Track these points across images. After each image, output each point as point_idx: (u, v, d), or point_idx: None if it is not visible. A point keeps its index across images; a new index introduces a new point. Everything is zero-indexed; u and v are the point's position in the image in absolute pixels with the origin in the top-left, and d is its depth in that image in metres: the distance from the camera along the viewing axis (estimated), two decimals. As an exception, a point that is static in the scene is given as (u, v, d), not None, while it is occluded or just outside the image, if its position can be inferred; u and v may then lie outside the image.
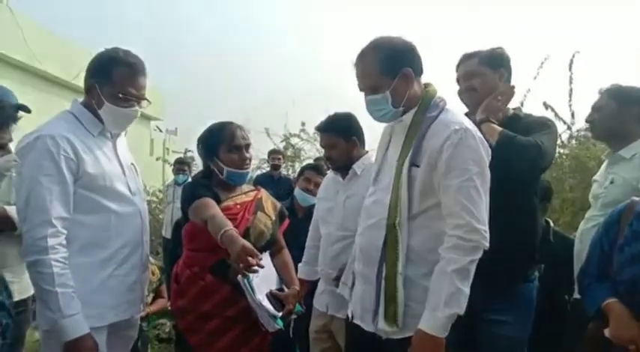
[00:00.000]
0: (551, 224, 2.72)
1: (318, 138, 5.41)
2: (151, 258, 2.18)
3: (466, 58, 2.04)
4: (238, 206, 1.98)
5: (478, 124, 1.79)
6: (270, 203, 2.14)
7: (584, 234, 2.13)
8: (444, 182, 1.53)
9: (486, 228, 1.53)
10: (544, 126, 1.96)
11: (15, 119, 1.56)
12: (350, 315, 1.77)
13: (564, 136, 5.34)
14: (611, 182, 2.11)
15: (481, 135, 1.61)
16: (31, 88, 7.23)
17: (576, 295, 2.06)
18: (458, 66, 2.08)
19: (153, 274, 2.94)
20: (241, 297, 1.82)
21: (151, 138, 12.87)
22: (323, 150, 2.49)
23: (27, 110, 1.94)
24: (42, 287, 1.53)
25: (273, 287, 1.97)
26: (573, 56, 5.32)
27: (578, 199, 4.51)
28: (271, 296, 1.90)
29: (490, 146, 1.68)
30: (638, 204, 1.64)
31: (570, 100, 5.40)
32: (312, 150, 8.01)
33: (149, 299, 3.08)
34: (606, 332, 1.56)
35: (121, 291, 1.72)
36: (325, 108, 2.69)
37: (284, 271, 2.09)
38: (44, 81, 7.93)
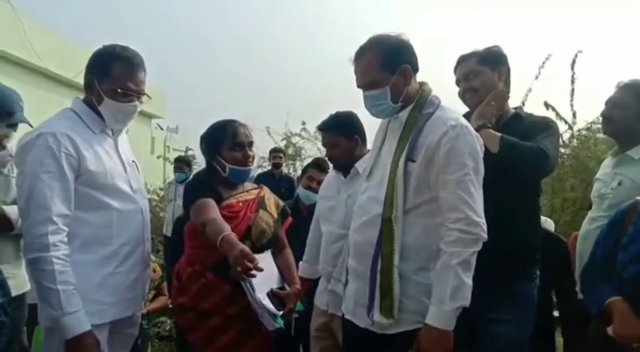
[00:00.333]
0: None
1: (319, 137, 5.41)
2: (151, 256, 2.18)
3: (464, 58, 2.04)
4: (240, 204, 1.98)
5: (475, 131, 1.78)
6: (272, 201, 2.15)
7: (589, 235, 2.11)
8: (442, 176, 1.56)
9: (484, 220, 1.56)
10: (546, 127, 1.95)
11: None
12: (343, 311, 1.79)
13: (565, 136, 5.34)
14: (619, 183, 2.09)
15: (475, 131, 1.64)
16: (32, 86, 7.23)
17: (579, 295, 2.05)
18: (456, 67, 2.07)
19: (154, 272, 2.94)
20: (242, 296, 1.82)
21: (152, 136, 12.88)
22: (324, 149, 2.49)
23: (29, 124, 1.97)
24: (43, 285, 1.52)
25: (275, 285, 1.97)
26: (576, 56, 5.32)
27: (579, 199, 4.51)
28: (272, 295, 1.90)
29: (489, 152, 1.69)
30: None
31: (572, 100, 5.40)
32: (312, 149, 8.02)
33: (150, 296, 3.08)
34: (609, 330, 1.56)
35: (123, 289, 1.72)
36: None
37: (285, 270, 2.09)
38: (45, 78, 7.93)
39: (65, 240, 1.56)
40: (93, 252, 1.65)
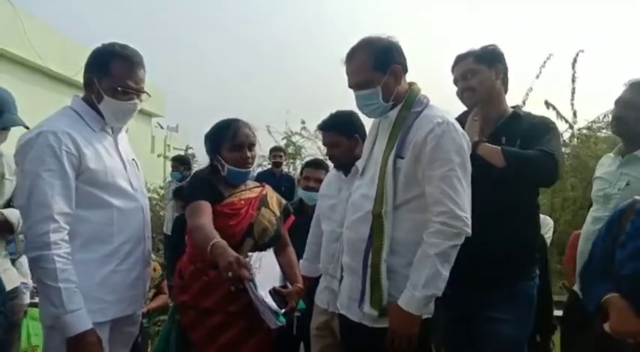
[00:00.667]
0: None
1: (319, 136, 5.40)
2: (152, 255, 2.18)
3: (461, 58, 2.04)
4: (242, 202, 1.99)
5: (474, 149, 1.79)
6: (275, 199, 2.15)
7: (591, 235, 2.07)
8: (428, 172, 1.61)
9: (468, 215, 1.60)
10: (548, 129, 1.95)
11: None
12: (338, 307, 1.84)
13: (566, 135, 5.35)
14: (627, 184, 2.06)
15: (462, 129, 1.68)
16: (32, 84, 7.23)
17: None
18: (453, 67, 2.08)
19: (154, 270, 2.94)
20: (244, 294, 1.82)
21: (152, 135, 12.88)
22: (324, 148, 2.49)
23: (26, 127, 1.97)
24: (45, 283, 1.52)
25: (277, 283, 1.97)
26: (577, 55, 5.32)
27: (579, 198, 4.52)
28: (274, 293, 1.90)
29: (487, 165, 1.74)
30: (639, 202, 1.68)
31: (573, 99, 5.41)
32: (312, 148, 8.03)
33: (150, 295, 3.08)
34: (606, 326, 1.58)
35: (124, 287, 1.72)
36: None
37: (288, 268, 2.09)
38: (45, 77, 7.93)
39: (66, 238, 1.56)
40: (94, 251, 1.65)
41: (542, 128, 1.95)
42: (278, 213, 2.11)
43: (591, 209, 2.29)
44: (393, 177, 1.65)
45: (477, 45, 2.02)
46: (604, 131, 5.25)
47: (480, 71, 1.98)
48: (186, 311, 1.96)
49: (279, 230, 2.09)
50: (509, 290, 1.90)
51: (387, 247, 1.64)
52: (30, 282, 2.36)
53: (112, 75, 1.69)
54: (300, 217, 2.38)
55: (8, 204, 2.02)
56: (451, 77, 2.10)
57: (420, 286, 1.56)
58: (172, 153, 9.85)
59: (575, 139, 5.37)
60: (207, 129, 2.09)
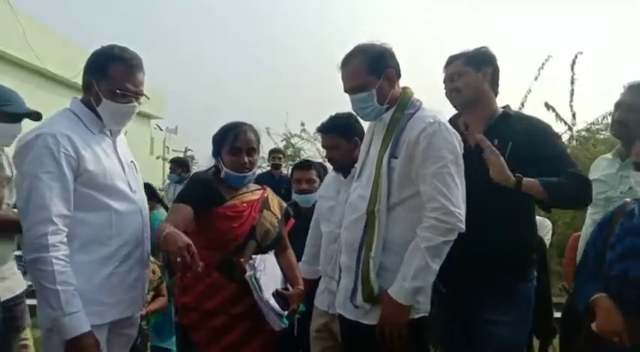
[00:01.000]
0: None
1: (318, 138, 5.40)
2: (150, 257, 2.18)
3: (452, 59, 2.06)
4: (244, 204, 1.99)
5: (517, 187, 1.79)
6: (276, 202, 2.16)
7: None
8: (421, 170, 1.66)
9: (462, 211, 1.64)
10: (546, 134, 1.97)
11: None
12: (335, 306, 1.86)
13: (565, 137, 5.35)
14: (630, 188, 2.07)
15: (453, 129, 1.74)
16: (31, 86, 7.23)
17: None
18: (444, 68, 2.10)
19: (153, 273, 2.93)
20: (246, 295, 1.82)
21: (151, 137, 12.89)
22: (323, 150, 2.49)
23: (34, 118, 1.97)
24: (43, 285, 1.52)
25: (279, 286, 1.97)
26: (576, 56, 5.33)
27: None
28: (277, 295, 1.91)
29: (482, 168, 1.78)
30: (629, 204, 1.73)
31: (572, 101, 5.41)
32: (312, 150, 8.03)
33: (149, 297, 3.07)
34: (593, 325, 1.62)
35: (122, 289, 1.72)
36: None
37: (288, 270, 2.09)
38: (44, 78, 7.93)
39: (65, 240, 1.55)
40: (92, 253, 1.64)
41: (540, 136, 1.94)
42: (279, 216, 2.11)
43: (589, 211, 2.29)
44: (388, 177, 1.69)
45: (474, 45, 2.04)
46: (603, 133, 5.26)
47: (467, 73, 1.99)
48: (188, 313, 1.96)
49: (281, 232, 2.10)
50: (507, 292, 1.90)
51: (379, 244, 1.67)
52: None
53: (110, 77, 1.69)
54: (298, 219, 2.38)
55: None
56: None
57: (409, 277, 1.61)
58: (171, 155, 9.87)
59: (574, 141, 5.37)
60: (207, 130, 2.12)
